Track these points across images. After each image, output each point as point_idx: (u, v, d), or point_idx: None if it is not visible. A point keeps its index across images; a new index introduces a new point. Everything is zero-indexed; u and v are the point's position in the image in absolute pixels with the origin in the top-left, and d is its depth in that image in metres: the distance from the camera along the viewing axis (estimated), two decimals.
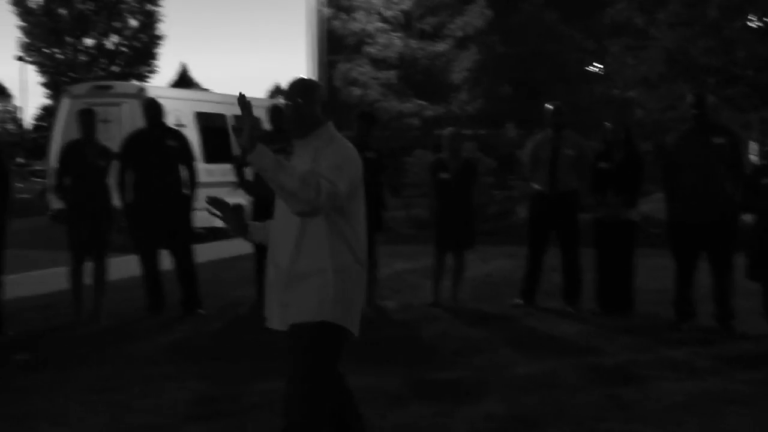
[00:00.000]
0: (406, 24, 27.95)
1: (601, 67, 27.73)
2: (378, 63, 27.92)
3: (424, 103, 27.79)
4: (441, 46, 27.63)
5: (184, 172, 9.33)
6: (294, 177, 3.67)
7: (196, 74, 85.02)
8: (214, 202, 4.27)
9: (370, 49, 27.65)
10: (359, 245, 4.07)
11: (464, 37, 27.84)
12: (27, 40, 44.46)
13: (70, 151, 9.23)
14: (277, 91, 79.30)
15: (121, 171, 9.32)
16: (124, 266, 10.77)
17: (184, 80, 70.03)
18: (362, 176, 4.08)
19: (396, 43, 27.43)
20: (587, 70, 30.53)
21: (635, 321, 8.95)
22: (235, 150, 18.47)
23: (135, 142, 9.41)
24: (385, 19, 27.80)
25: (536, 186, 9.77)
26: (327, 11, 19.17)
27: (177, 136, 9.63)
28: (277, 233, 4.11)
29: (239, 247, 13.33)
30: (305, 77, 4.19)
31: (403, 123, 27.83)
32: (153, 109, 9.44)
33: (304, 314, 3.97)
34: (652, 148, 23.43)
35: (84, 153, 9.01)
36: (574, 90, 29.04)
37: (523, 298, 9.76)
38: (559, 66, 30.20)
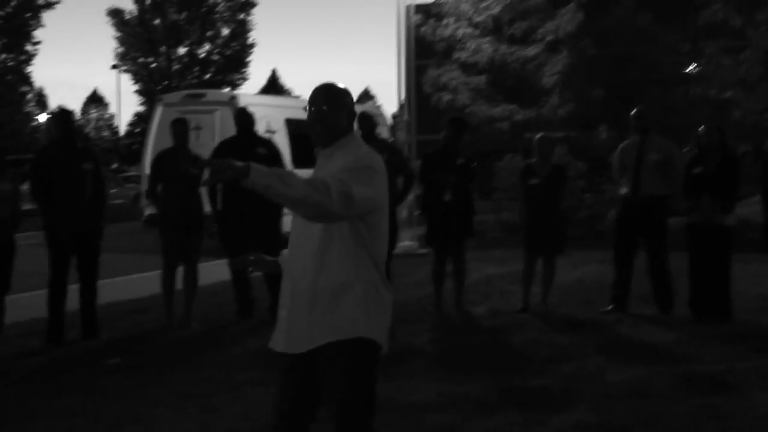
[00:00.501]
0: (495, 29, 27.78)
1: (697, 68, 27.16)
2: (468, 68, 27.79)
3: (514, 107, 27.59)
4: (531, 50, 27.37)
5: None
6: (297, 183, 3.38)
7: (286, 80, 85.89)
8: (252, 263, 4.10)
9: (460, 55, 27.56)
10: (381, 260, 3.81)
11: (555, 41, 27.57)
12: (122, 49, 45.65)
13: (163, 159, 9.41)
14: (365, 96, 79.77)
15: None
16: (215, 271, 10.93)
17: (274, 86, 70.99)
18: (386, 188, 3.79)
19: (486, 48, 27.27)
20: (682, 72, 29.98)
21: (732, 328, 8.72)
22: None
23: (226, 149, 9.54)
24: (474, 25, 27.68)
25: (623, 191, 9.64)
26: (416, 18, 19.16)
27: (267, 144, 9.78)
28: (296, 249, 3.83)
29: None
30: (333, 83, 3.87)
31: (493, 127, 27.66)
32: (244, 117, 9.60)
33: (337, 332, 3.68)
34: (751, 149, 22.85)
35: (177, 161, 9.17)
36: (668, 92, 28.51)
37: (615, 304, 9.61)
38: (653, 68, 29.68)
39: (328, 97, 3.78)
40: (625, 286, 9.61)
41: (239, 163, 3.35)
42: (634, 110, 9.70)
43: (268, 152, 9.49)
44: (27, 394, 6.73)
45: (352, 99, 3.87)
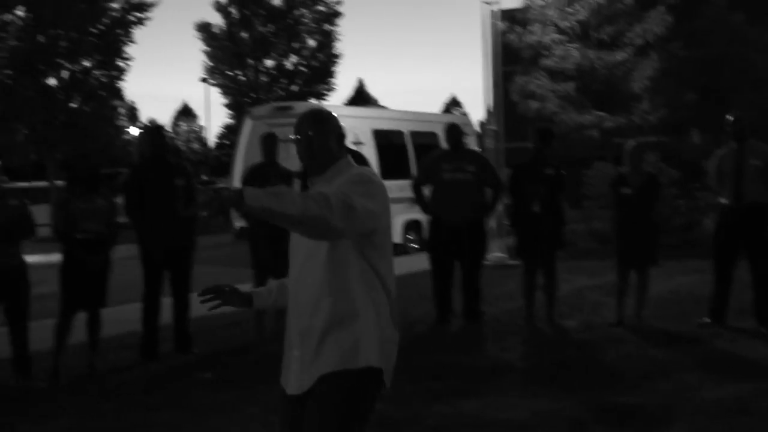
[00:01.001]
0: (582, 34, 27.50)
1: None
2: (555, 75, 27.57)
3: (603, 114, 27.25)
4: (620, 55, 27.04)
5: None
6: (295, 199, 3.14)
7: (372, 90, 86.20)
8: (209, 292, 3.87)
9: (547, 62, 27.35)
10: (391, 279, 3.56)
11: (644, 45, 27.15)
12: (211, 63, 46.35)
13: (253, 173, 9.49)
14: (453, 104, 79.60)
15: (302, 190, 9.54)
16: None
17: (360, 97, 71.30)
18: (388, 205, 3.57)
19: (573, 54, 27.02)
20: None
21: None
22: (413, 168, 18.69)
23: None
24: (561, 31, 27.45)
25: (722, 200, 9.41)
26: (501, 25, 19.07)
27: (356, 156, 9.78)
28: (297, 282, 3.56)
29: (416, 263, 13.43)
30: (318, 108, 3.79)
31: (582, 135, 27.37)
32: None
33: (342, 361, 3.43)
34: None
35: (267, 176, 9.24)
36: (764, 94, 27.85)
37: (712, 317, 9.39)
38: (747, 69, 29.03)
39: (314, 121, 3.63)
40: (724, 299, 9.38)
41: (231, 191, 3.18)
42: (730, 116, 9.46)
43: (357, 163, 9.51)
44: (123, 408, 6.85)
45: (338, 122, 3.70)
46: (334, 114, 3.70)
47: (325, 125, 3.63)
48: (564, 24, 27.42)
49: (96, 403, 7.08)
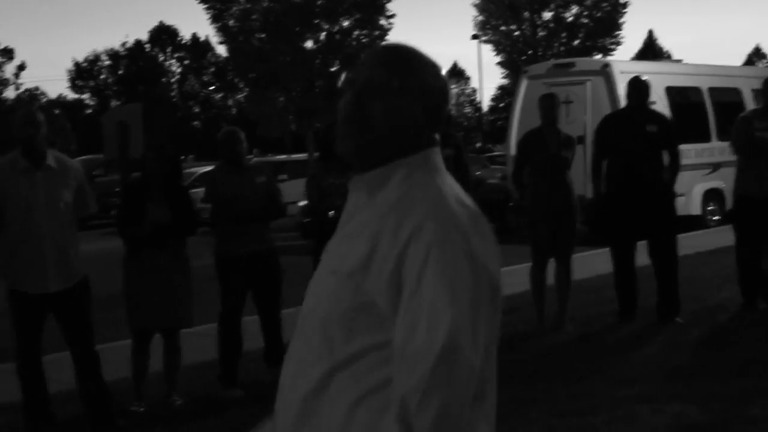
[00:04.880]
0: None
1: None
2: None
3: None
4: None
5: (665, 158, 8.99)
6: None
7: (663, 42, 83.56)
8: None
9: None
10: None
11: None
12: (482, 18, 46.29)
13: (530, 140, 9.20)
14: (757, 54, 75.78)
15: (595, 158, 9.19)
16: (591, 263, 10.60)
17: (651, 50, 69.32)
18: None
19: None
20: None
21: None
22: (712, 130, 17.76)
23: (611, 126, 9.20)
24: None
25: None
26: None
27: (659, 119, 9.28)
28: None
29: (720, 237, 12.71)
30: (398, 44, 2.22)
31: None
32: (637, 87, 9.15)
33: None
34: None
35: (545, 143, 8.93)
36: None
37: None
38: None
39: (395, 66, 2.13)
40: None
41: None
42: None
43: (660, 128, 9.01)
44: None
45: (438, 74, 2.19)
46: (434, 61, 2.20)
47: (410, 77, 2.13)
48: None
49: None
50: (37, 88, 74.30)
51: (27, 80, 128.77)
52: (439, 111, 2.16)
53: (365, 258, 2.00)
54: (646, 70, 19.13)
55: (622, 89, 15.06)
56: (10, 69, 68.90)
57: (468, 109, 70.22)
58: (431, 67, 2.16)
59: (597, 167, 9.17)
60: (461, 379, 1.92)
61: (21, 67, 69.42)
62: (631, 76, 9.79)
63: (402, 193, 2.06)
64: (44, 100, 71.46)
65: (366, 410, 1.98)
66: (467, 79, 74.75)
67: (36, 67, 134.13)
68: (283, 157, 28.75)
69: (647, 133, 8.91)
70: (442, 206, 2.02)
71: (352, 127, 2.11)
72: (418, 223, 1.97)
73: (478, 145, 45.75)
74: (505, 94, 54.13)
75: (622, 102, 14.31)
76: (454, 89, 72.79)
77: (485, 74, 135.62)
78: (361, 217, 2.10)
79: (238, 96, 60.30)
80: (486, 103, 68.54)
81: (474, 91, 71.99)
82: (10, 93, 69.21)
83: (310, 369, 2.05)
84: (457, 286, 1.93)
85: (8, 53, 68.72)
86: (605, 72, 16.74)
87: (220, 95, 72.28)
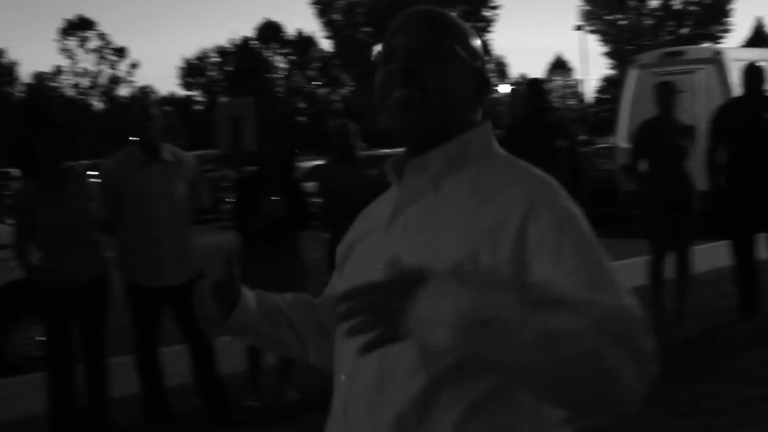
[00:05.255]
0: None
1: None
2: None
3: None
4: None
5: None
6: (565, 326, 1.52)
7: None
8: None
9: None
10: None
11: None
12: (587, 7, 45.75)
13: (647, 130, 8.97)
14: None
15: (711, 149, 8.91)
16: (709, 257, 10.31)
17: (760, 38, 67.68)
18: None
19: None
20: None
21: None
22: None
23: (727, 114, 8.91)
24: None
25: None
26: None
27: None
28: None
29: None
30: (436, 7, 1.96)
31: None
32: (753, 74, 8.85)
33: None
34: None
35: (663, 133, 8.70)
36: None
37: None
38: None
39: (439, 31, 1.88)
40: None
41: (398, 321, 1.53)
42: None
43: None
44: None
45: (476, 35, 1.96)
46: (471, 29, 1.98)
47: (458, 39, 1.90)
48: None
49: None
50: (148, 86, 75.91)
51: (139, 79, 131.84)
52: (487, 75, 1.94)
53: (470, 248, 1.72)
54: (760, 57, 18.62)
55: (734, 78, 14.64)
56: (123, 67, 70.52)
57: (572, 101, 69.36)
58: (468, 28, 1.95)
59: (713, 158, 8.89)
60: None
61: (134, 66, 70.97)
62: (744, 63, 9.47)
63: (482, 170, 1.84)
64: (155, 97, 73.01)
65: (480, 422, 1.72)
66: (571, 70, 73.94)
67: (148, 66, 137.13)
68: (388, 150, 28.87)
69: (764, 121, 8.61)
70: (539, 178, 1.81)
71: (407, 100, 1.84)
72: (530, 198, 1.74)
73: (583, 137, 45.22)
74: (611, 85, 53.30)
75: (735, 91, 13.91)
76: (558, 82, 72.03)
77: (590, 65, 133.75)
78: (428, 203, 1.85)
79: (342, 90, 60.59)
80: (590, 95, 67.64)
81: (578, 82, 71.10)
82: (123, 90, 70.97)
83: (403, 386, 1.75)
84: (599, 257, 1.70)
85: (121, 52, 70.35)
86: (717, 60, 16.29)
87: (326, 90, 72.83)
